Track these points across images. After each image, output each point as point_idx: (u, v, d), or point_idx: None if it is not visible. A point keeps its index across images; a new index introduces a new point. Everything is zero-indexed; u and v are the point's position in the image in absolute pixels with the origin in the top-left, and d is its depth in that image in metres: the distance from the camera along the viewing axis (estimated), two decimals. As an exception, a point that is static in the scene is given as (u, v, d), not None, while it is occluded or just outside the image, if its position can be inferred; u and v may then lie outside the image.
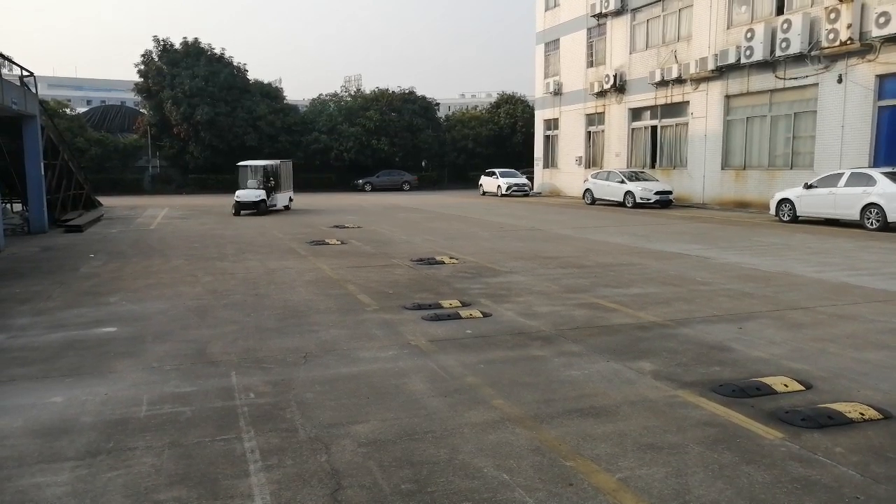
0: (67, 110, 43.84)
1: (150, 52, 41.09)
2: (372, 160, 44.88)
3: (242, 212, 22.66)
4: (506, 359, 5.74)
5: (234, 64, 42.68)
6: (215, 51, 42.23)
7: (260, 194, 22.75)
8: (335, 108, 47.42)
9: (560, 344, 6.20)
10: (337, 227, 18.20)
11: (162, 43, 41.30)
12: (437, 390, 4.92)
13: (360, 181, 43.63)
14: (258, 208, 22.66)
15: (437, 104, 50.83)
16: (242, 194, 22.75)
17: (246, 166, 24.47)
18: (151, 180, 42.19)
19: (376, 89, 48.04)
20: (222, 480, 3.54)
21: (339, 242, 14.35)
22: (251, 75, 43.82)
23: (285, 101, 45.62)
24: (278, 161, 25.46)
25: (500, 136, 49.12)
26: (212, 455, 3.84)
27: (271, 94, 44.06)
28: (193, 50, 41.36)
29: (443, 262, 11.32)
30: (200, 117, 39.24)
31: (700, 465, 3.71)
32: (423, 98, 48.65)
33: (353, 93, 50.55)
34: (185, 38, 42.01)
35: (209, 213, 23.66)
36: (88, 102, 74.62)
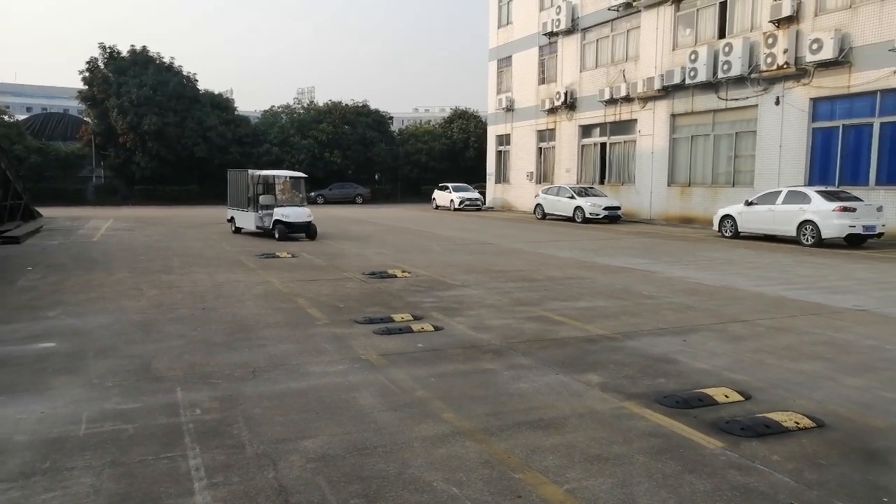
0: (5, 117, 42.24)
1: (96, 59, 39.99)
2: (324, 173, 44.59)
3: (290, 235, 17.81)
4: (456, 372, 5.76)
5: (184, 73, 41.91)
6: (164, 59, 41.43)
7: (308, 212, 17.91)
8: (287, 120, 47.04)
9: (510, 357, 6.26)
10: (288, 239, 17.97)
11: (108, 50, 40.27)
12: (387, 404, 4.91)
13: (313, 194, 43.15)
14: (309, 231, 17.81)
15: (391, 118, 50.94)
16: (290, 213, 17.55)
17: (263, 177, 18.66)
18: (95, 191, 40.92)
19: (329, 102, 47.94)
20: (165, 500, 3.45)
21: (289, 255, 14.18)
22: (201, 85, 43.19)
23: (236, 113, 45.00)
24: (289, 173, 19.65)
25: (454, 151, 49.47)
26: (155, 473, 3.74)
27: (222, 104, 43.39)
28: (141, 58, 40.47)
29: (395, 276, 11.31)
30: (148, 127, 38.34)
31: (645, 475, 3.79)
32: (377, 111, 48.70)
33: (305, 105, 50.29)
34: (132, 45, 41.06)
35: (156, 225, 23.08)
36: (29, 110, 72.03)
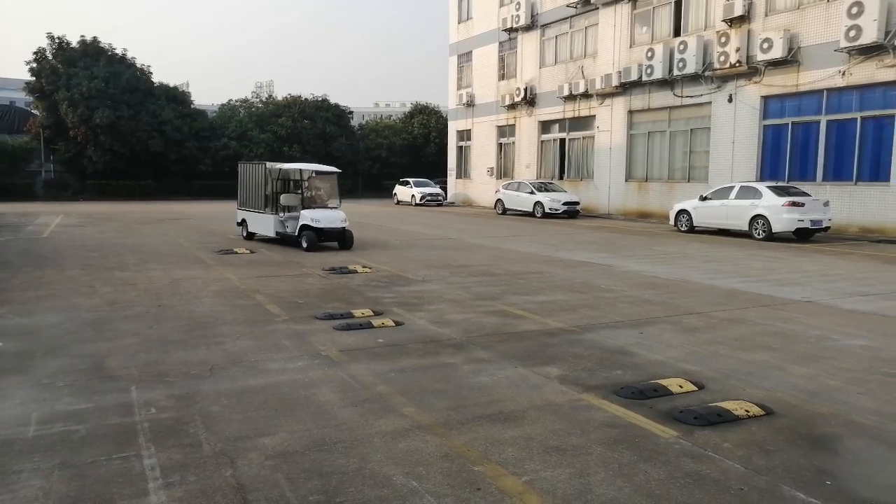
0: (-53, 109, 40.62)
1: (44, 49, 38.67)
2: (284, 168, 43.99)
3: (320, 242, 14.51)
4: (417, 367, 5.78)
5: (138, 65, 40.84)
6: (116, 51, 40.32)
7: (343, 217, 14.67)
8: (245, 114, 46.30)
9: (470, 351, 6.30)
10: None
11: (57, 41, 39.00)
12: (347, 400, 4.90)
13: (272, 189, 42.62)
14: (344, 240, 14.68)
15: (351, 112, 50.57)
16: (321, 217, 14.32)
17: (287, 172, 15.33)
18: (45, 186, 39.59)
19: (288, 96, 47.35)
20: (118, 501, 3.38)
21: (248, 252, 13.99)
22: (156, 78, 42.09)
23: (193, 106, 44.06)
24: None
25: (415, 146, 49.39)
26: (107, 474, 3.66)
27: (178, 98, 42.43)
28: (92, 49, 39.30)
29: (355, 271, 11.26)
30: (100, 120, 37.26)
31: (601, 464, 3.86)
32: (337, 106, 48.29)
33: (264, 99, 49.53)
34: (82, 36, 39.85)
35: (110, 221, 22.49)
36: (-28, 101, 69.28)
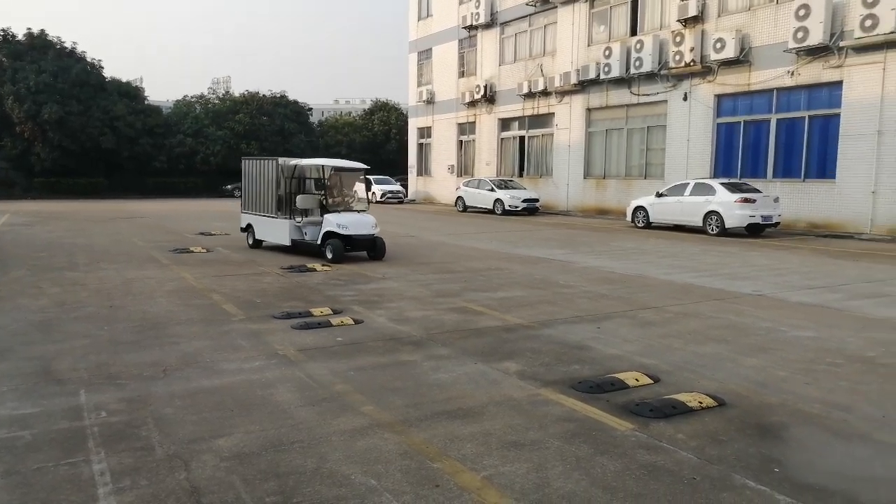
0: None
1: (-12, 42, 37.37)
2: (241, 165, 43.33)
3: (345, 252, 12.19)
4: (376, 365, 5.75)
5: (88, 60, 39.72)
6: (66, 44, 39.14)
7: (374, 222, 12.43)
8: (202, 110, 45.43)
9: (430, 348, 6.30)
10: (203, 234, 17.40)
11: (2, 33, 37.65)
12: (305, 399, 4.85)
13: (230, 186, 41.95)
14: (375, 249, 12.50)
15: (310, 109, 50.11)
16: (349, 223, 12.05)
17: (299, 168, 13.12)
18: (-11, 184, 38.26)
19: (246, 92, 46.69)
20: (67, 507, 3.28)
21: (204, 250, 13.73)
22: (108, 73, 41.07)
23: (147, 102, 43.09)
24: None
25: (375, 143, 49.18)
26: (54, 481, 3.55)
27: (131, 93, 41.43)
28: (39, 42, 38.08)
29: (314, 270, 11.15)
30: (48, 116, 36.13)
31: (559, 458, 3.90)
32: (296, 102, 47.80)
33: (221, 95, 48.68)
34: (29, 29, 38.60)
35: (59, 220, 21.82)
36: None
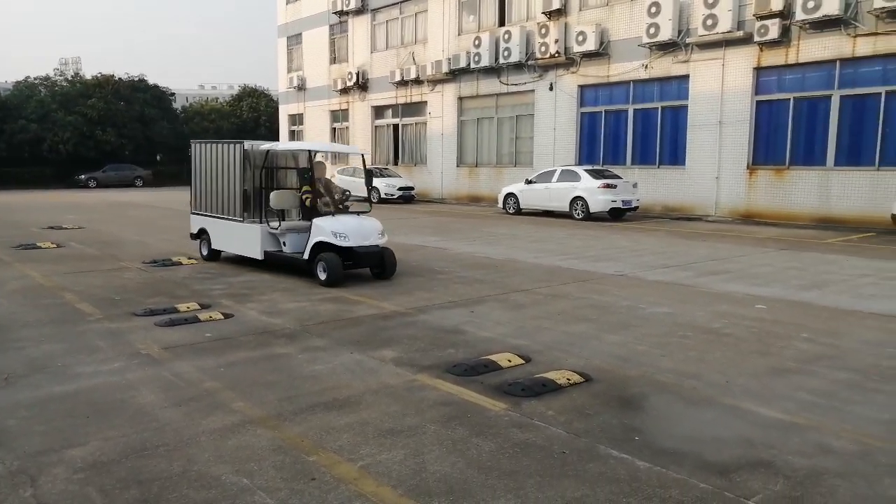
0: None
1: None
2: (96, 153, 40.21)
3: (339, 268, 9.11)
4: (248, 359, 5.55)
5: None
6: None
7: (380, 227, 9.48)
8: (47, 93, 41.55)
9: (305, 340, 6.17)
10: (53, 227, 15.97)
11: None
12: (170, 400, 4.59)
13: (83, 176, 38.88)
14: (384, 264, 9.42)
15: (173, 94, 47.36)
16: (348, 229, 8.96)
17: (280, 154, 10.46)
18: None
19: (99, 75, 43.16)
20: None
21: (54, 245, 12.62)
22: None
23: (-20, 83, 38.79)
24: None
25: (244, 130, 47.25)
26: None
27: (-41, 73, 37.12)
28: None
29: (180, 263, 10.57)
30: None
31: (436, 442, 3.95)
32: (156, 87, 44.95)
33: (70, 77, 44.74)
34: None
35: None
36: None
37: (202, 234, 11.12)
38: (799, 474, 3.57)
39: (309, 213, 9.31)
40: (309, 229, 9.18)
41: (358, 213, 9.75)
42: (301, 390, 4.81)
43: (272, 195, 9.72)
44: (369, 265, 9.40)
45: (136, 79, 43.98)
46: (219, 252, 10.90)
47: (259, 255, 9.85)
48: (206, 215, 11.03)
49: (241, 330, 6.51)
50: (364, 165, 11.05)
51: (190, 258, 10.99)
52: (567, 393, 4.80)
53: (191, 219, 11.47)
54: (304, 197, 9.33)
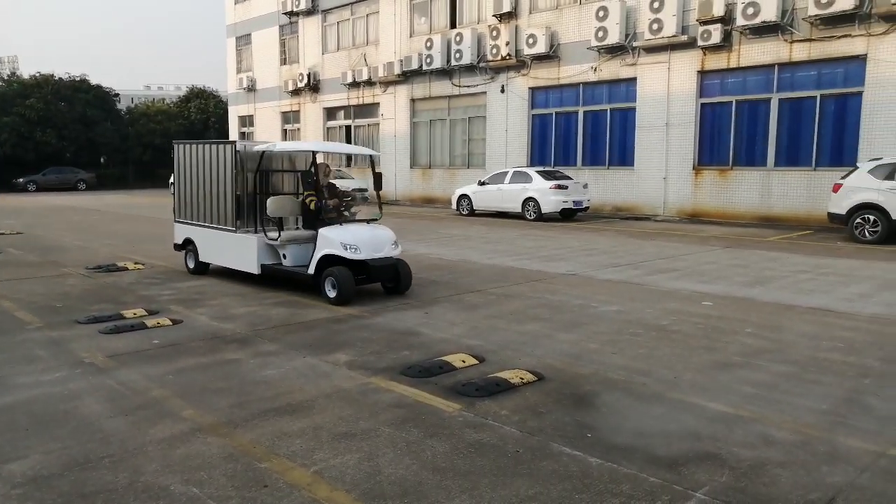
0: None
1: None
2: (36, 155, 38.78)
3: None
4: (197, 366, 5.43)
5: None
6: None
7: (392, 237, 8.57)
8: (-19, 93, 39.90)
9: (256, 345, 6.07)
10: (-12, 234, 15.34)
11: None
12: (116, 409, 4.46)
13: (22, 180, 37.48)
14: (398, 277, 8.48)
15: (118, 95, 45.97)
16: (359, 240, 8.01)
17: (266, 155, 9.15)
18: None
19: (38, 74, 41.61)
20: None
21: (-10, 252, 12.12)
22: None
23: None
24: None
25: (192, 132, 46.18)
26: None
27: None
28: None
29: (126, 268, 10.28)
30: None
31: (390, 445, 3.94)
32: (99, 87, 43.56)
33: (6, 77, 43.03)
34: None
35: None
36: None
37: (188, 245, 10.08)
38: (743, 465, 3.69)
39: (311, 221, 8.46)
40: (312, 240, 8.35)
41: (367, 220, 8.76)
42: (253, 396, 4.74)
43: (269, 201, 8.79)
44: (383, 279, 8.51)
45: (78, 79, 42.58)
46: (207, 265, 9.90)
47: (255, 270, 8.86)
48: (192, 224, 9.96)
49: (191, 336, 6.37)
50: (374, 168, 9.43)
51: (136, 263, 10.70)
52: (520, 392, 4.85)
53: (175, 228, 10.43)
54: (308, 201, 8.31)
